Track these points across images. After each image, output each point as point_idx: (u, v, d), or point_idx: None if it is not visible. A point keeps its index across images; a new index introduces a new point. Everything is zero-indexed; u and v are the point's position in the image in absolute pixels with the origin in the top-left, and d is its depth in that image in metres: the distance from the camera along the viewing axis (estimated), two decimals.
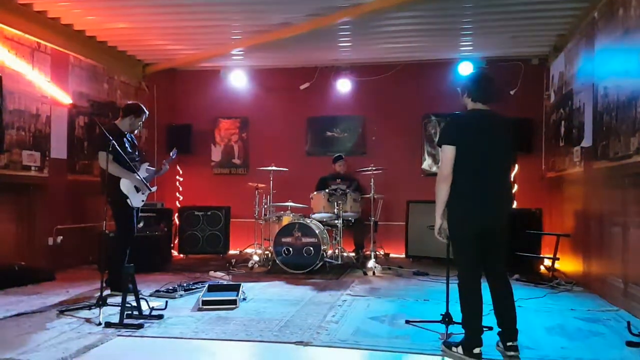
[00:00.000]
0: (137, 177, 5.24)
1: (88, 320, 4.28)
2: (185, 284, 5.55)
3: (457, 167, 3.48)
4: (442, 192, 3.51)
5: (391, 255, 8.20)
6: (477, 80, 3.71)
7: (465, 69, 8.05)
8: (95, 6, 6.36)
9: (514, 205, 7.97)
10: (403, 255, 8.03)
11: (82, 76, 7.35)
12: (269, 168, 7.36)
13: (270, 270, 6.83)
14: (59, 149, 6.86)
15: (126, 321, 4.13)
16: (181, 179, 9.34)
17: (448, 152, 3.49)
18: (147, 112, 5.63)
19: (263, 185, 7.46)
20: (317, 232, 6.65)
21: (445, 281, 3.97)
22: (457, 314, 3.64)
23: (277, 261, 6.72)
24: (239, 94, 9.14)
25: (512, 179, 7.98)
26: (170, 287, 5.39)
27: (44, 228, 6.60)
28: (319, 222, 7.06)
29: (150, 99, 8.67)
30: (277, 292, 5.62)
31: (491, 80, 3.71)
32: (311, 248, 6.62)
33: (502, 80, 7.87)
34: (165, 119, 9.04)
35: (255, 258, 7.25)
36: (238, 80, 9.01)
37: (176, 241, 8.37)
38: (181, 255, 8.21)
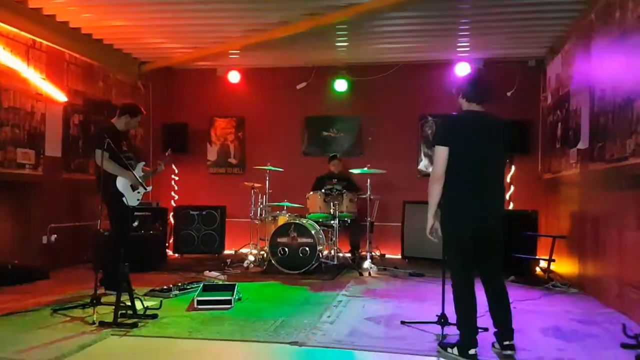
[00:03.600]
0: (133, 175, 5.21)
1: (82, 320, 4.26)
2: (180, 284, 5.52)
3: (450, 168, 3.48)
4: (435, 192, 3.51)
5: (387, 256, 8.19)
6: (473, 81, 3.72)
7: (462, 69, 8.06)
8: (91, 4, 6.33)
9: (510, 206, 8.00)
10: (399, 256, 8.02)
11: (78, 74, 7.31)
12: (265, 167, 7.34)
13: (266, 271, 6.81)
14: (53, 147, 6.83)
15: (120, 320, 4.11)
16: (177, 178, 9.31)
17: (441, 153, 3.49)
18: (144, 112, 5.60)
19: (259, 184, 7.45)
20: (313, 232, 6.64)
21: (441, 282, 3.96)
22: (452, 315, 3.63)
23: (273, 261, 6.70)
24: (235, 93, 9.12)
25: (506, 181, 8.02)
26: (165, 287, 5.36)
27: (38, 226, 6.57)
28: (315, 222, 7.04)
29: (146, 97, 8.65)
30: (272, 292, 5.61)
31: (487, 81, 3.71)
32: (307, 248, 6.61)
33: (499, 81, 7.89)
34: (161, 118, 9.00)
35: (251, 258, 7.24)
36: (234, 79, 8.99)
37: (171, 241, 8.33)
38: (176, 255, 8.19)
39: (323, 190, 7.19)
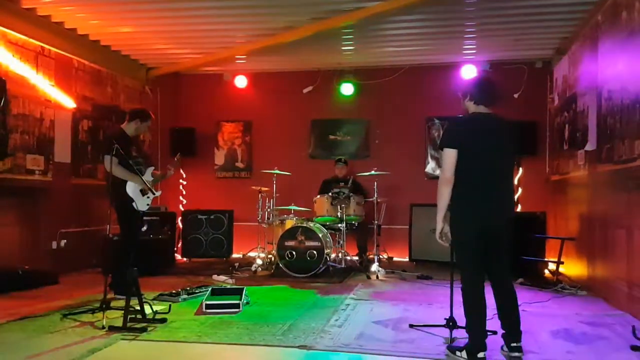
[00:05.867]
0: (142, 180, 5.24)
1: (91, 324, 4.28)
2: (188, 288, 5.54)
3: (458, 170, 3.48)
4: (444, 195, 3.51)
5: (395, 258, 8.18)
6: (480, 83, 3.72)
7: (469, 72, 8.05)
8: (99, 10, 6.38)
9: (518, 208, 7.97)
10: (407, 259, 8.01)
11: (86, 80, 7.37)
12: (272, 171, 7.36)
13: (274, 274, 6.82)
14: (62, 152, 6.88)
15: (130, 325, 4.13)
16: (184, 183, 9.35)
17: (450, 156, 3.49)
18: (153, 117, 5.63)
19: (266, 188, 7.46)
20: (320, 235, 6.64)
21: (449, 285, 3.95)
22: (461, 318, 3.63)
23: (281, 265, 6.71)
24: (242, 97, 9.16)
25: (515, 182, 7.99)
26: (174, 291, 5.38)
27: (48, 232, 6.61)
28: (322, 225, 7.04)
29: (153, 102, 8.69)
30: (280, 296, 5.61)
31: (493, 83, 3.71)
32: (314, 252, 6.61)
33: (505, 83, 7.87)
34: (169, 123, 9.06)
35: (259, 262, 7.24)
36: (241, 84, 9.03)
37: (179, 245, 8.37)
38: (184, 259, 8.21)
39: (330, 194, 7.19)
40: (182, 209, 8.92)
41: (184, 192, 9.35)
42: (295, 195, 7.64)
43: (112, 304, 4.51)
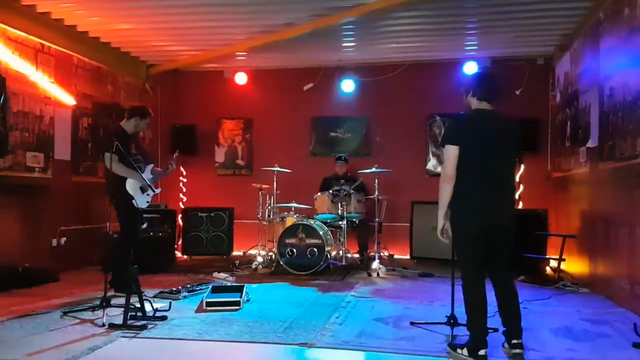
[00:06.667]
0: (142, 177, 5.23)
1: (92, 322, 4.28)
2: (189, 285, 5.54)
3: (460, 167, 3.46)
4: (445, 192, 3.49)
5: (396, 256, 8.16)
6: (483, 79, 3.70)
7: (470, 68, 8.03)
8: (99, 7, 6.36)
9: (520, 205, 7.95)
10: (408, 257, 8.00)
11: (86, 77, 7.35)
12: (273, 169, 7.34)
13: (274, 272, 6.81)
14: (62, 150, 6.87)
15: (130, 322, 4.13)
16: (185, 180, 9.34)
17: (451, 153, 3.47)
18: (152, 114, 5.63)
19: (267, 186, 7.45)
20: (321, 233, 6.63)
21: (450, 282, 3.94)
22: (462, 315, 3.61)
23: (281, 262, 6.70)
24: (242, 94, 9.14)
25: (516, 180, 7.97)
26: (174, 289, 5.37)
27: (48, 229, 6.60)
28: (323, 223, 7.03)
29: (154, 100, 8.68)
30: (281, 294, 5.61)
31: (496, 79, 3.69)
32: (315, 249, 6.60)
33: (507, 80, 7.84)
34: (169, 120, 9.05)
35: (259, 259, 7.24)
36: (241, 81, 9.01)
37: (180, 242, 8.36)
38: (185, 257, 8.21)
39: (331, 191, 7.18)
40: (183, 207, 8.91)
41: (184, 190, 9.33)
42: (296, 192, 7.63)
43: (113, 301, 4.50)
